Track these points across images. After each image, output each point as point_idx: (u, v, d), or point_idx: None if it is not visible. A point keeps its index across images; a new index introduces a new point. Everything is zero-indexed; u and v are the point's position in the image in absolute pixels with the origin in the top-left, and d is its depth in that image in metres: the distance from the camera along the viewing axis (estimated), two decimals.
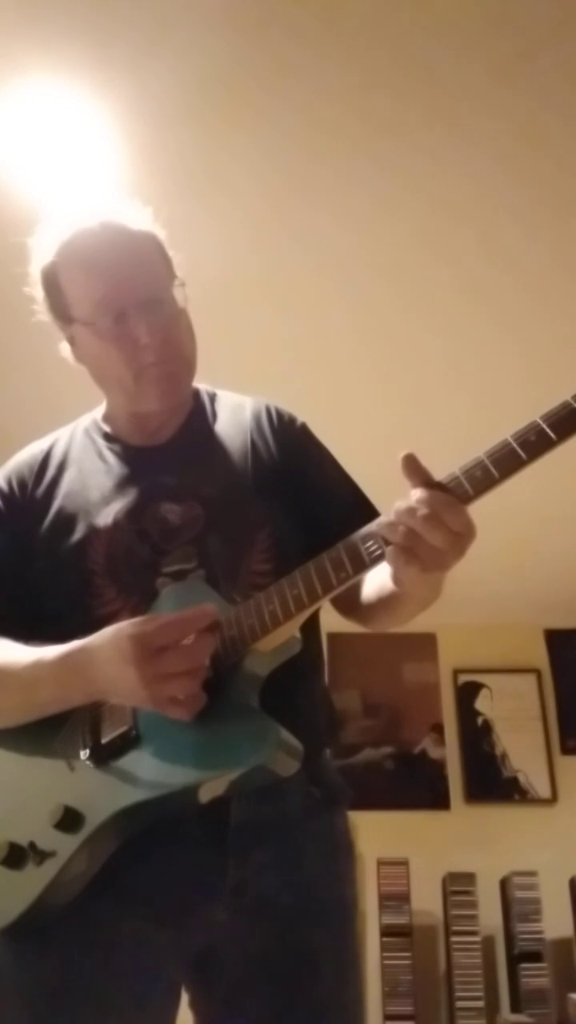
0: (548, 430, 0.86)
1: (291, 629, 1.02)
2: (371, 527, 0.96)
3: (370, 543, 0.95)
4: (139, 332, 1.14)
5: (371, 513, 1.22)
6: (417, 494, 0.91)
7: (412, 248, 2.72)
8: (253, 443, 1.25)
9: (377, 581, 1.09)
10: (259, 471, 1.22)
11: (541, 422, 0.87)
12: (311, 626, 1.14)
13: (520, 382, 3.15)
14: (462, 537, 0.90)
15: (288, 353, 3.09)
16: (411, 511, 0.90)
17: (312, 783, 1.10)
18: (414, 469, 0.93)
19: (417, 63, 2.22)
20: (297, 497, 1.22)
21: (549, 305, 2.93)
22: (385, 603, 1.12)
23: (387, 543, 0.92)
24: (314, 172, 2.49)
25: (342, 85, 2.27)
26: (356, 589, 1.15)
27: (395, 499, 0.93)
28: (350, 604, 1.18)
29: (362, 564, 0.95)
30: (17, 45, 2.16)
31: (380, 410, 3.38)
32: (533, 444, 0.86)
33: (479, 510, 0.91)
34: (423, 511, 0.89)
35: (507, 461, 0.87)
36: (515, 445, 0.87)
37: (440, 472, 0.93)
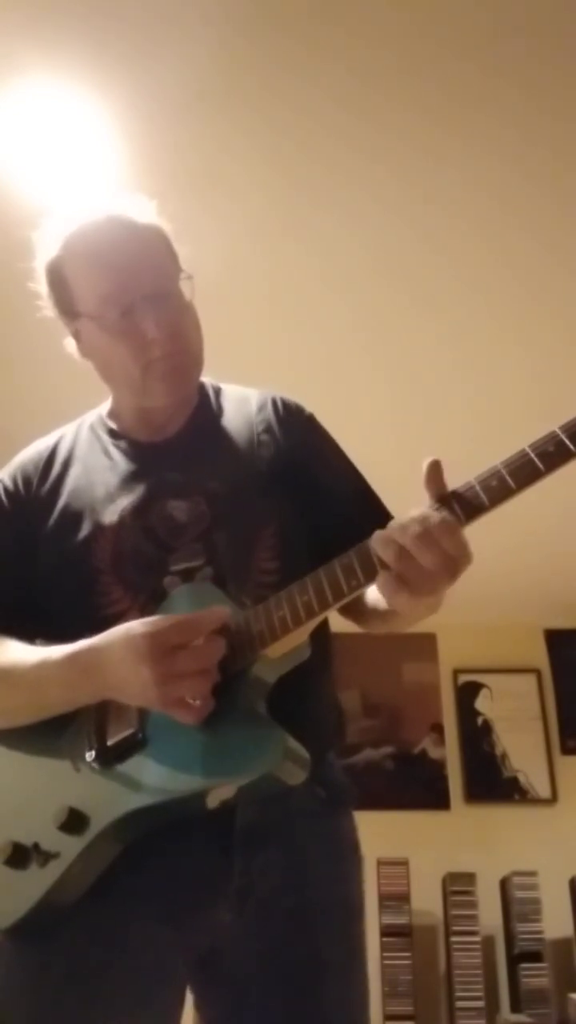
0: (568, 441, 0.84)
1: (301, 635, 1.00)
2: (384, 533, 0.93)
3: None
4: (147, 326, 1.13)
5: (377, 507, 1.21)
6: (416, 513, 0.89)
7: (414, 246, 2.72)
8: (259, 436, 1.24)
9: (375, 589, 1.08)
10: (265, 464, 1.21)
11: (560, 433, 0.85)
12: (321, 631, 1.12)
13: (524, 381, 3.15)
14: (455, 560, 0.88)
15: (290, 352, 3.08)
16: (403, 529, 0.88)
17: (318, 784, 1.09)
18: (433, 478, 0.91)
19: (419, 61, 2.22)
20: (303, 490, 1.20)
21: (553, 305, 2.93)
22: (381, 615, 1.11)
23: (383, 563, 0.90)
24: (315, 171, 2.49)
25: (342, 83, 2.27)
26: (360, 593, 1.14)
27: (400, 498, 0.91)
28: (350, 606, 1.17)
29: (374, 572, 0.93)
30: (17, 45, 2.16)
31: (383, 410, 3.37)
32: (552, 455, 0.85)
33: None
34: (416, 529, 0.87)
35: (524, 471, 0.86)
36: (533, 456, 0.85)
37: (446, 474, 0.91)
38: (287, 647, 1.01)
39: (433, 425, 3.37)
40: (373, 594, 1.11)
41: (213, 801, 0.97)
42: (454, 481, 0.91)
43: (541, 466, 0.85)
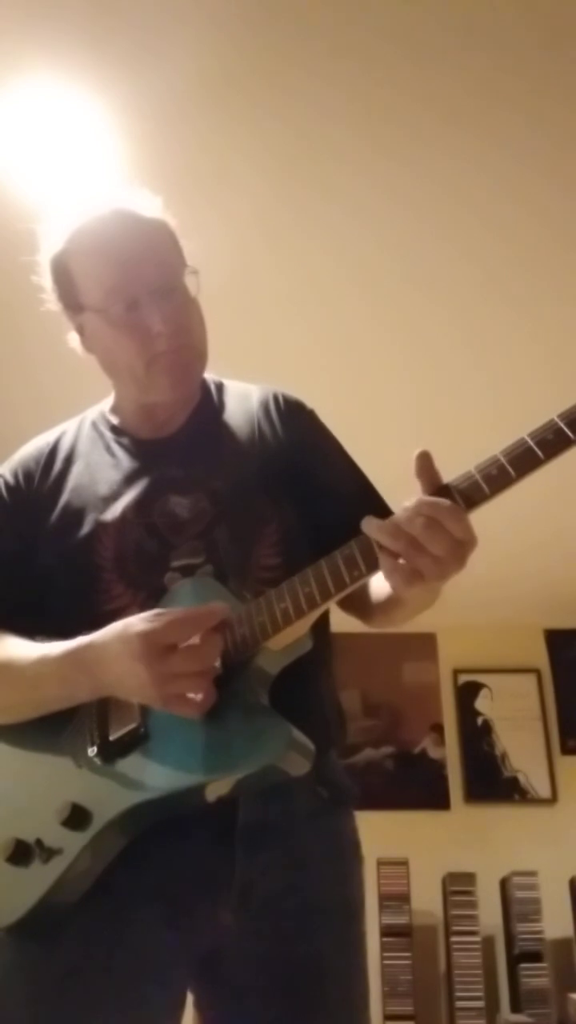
0: (566, 429, 0.84)
1: (302, 627, 1.00)
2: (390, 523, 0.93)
3: None
4: (152, 320, 1.12)
5: (377, 504, 1.21)
6: (418, 500, 0.89)
7: (424, 237, 2.71)
8: (260, 431, 1.24)
9: (378, 581, 1.06)
10: (266, 460, 1.21)
11: (559, 421, 0.85)
12: (321, 624, 1.13)
13: (539, 372, 3.13)
14: (463, 545, 0.88)
15: (302, 346, 3.07)
16: (411, 519, 0.88)
17: (320, 783, 1.09)
18: (425, 468, 0.91)
19: (424, 52, 2.21)
20: (304, 487, 1.20)
21: (565, 292, 2.91)
22: (383, 606, 1.11)
23: (392, 554, 0.90)
24: (322, 164, 2.48)
25: (346, 74, 2.26)
26: (363, 586, 1.14)
27: (414, 490, 0.91)
28: (353, 600, 1.16)
29: (376, 563, 0.93)
30: (17, 41, 2.15)
31: (396, 401, 3.35)
32: (551, 443, 0.85)
33: (479, 509, 0.89)
34: (422, 519, 0.87)
35: (524, 460, 0.86)
36: (532, 444, 0.86)
37: (457, 467, 0.91)
38: (289, 639, 1.00)
39: (450, 416, 3.35)
40: (374, 586, 1.11)
41: (212, 795, 0.96)
42: (462, 471, 0.91)
43: (540, 454, 0.85)
